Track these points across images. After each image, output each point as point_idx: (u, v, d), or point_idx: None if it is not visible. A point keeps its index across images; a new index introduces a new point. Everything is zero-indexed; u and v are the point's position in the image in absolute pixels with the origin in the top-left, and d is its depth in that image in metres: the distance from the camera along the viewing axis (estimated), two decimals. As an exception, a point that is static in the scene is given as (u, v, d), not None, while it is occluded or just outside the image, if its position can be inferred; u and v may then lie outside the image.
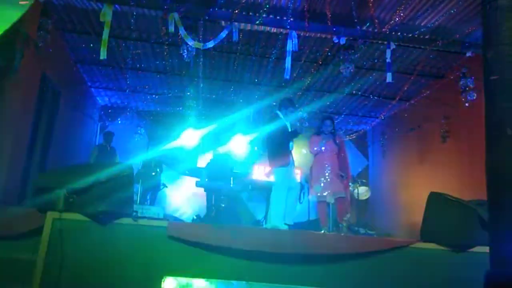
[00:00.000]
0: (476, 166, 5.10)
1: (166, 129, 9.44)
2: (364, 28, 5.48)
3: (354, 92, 7.71)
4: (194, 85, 7.98)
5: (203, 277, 3.10)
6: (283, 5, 5.25)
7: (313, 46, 6.25)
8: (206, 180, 7.83)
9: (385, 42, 5.56)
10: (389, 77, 5.54)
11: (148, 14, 5.36)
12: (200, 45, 5.29)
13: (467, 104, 5.66)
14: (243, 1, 5.06)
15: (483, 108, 2.05)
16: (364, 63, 6.63)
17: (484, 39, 2.10)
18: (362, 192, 8.40)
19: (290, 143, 5.14)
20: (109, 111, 9.57)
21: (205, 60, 6.83)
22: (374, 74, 6.87)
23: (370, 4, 5.03)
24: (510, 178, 1.88)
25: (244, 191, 8.25)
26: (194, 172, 7.71)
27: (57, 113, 6.82)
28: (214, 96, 8.53)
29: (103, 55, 5.04)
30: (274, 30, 5.54)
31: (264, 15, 5.24)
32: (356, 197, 8.01)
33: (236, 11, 5.16)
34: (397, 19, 5.29)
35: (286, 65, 5.36)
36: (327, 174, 5.33)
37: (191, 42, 5.18)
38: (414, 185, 7.52)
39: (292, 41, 5.31)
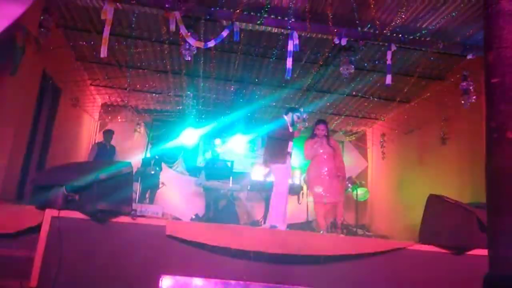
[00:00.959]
0: (476, 168, 5.11)
1: (166, 128, 9.45)
2: (365, 29, 5.48)
3: (354, 93, 7.71)
4: (194, 85, 7.98)
5: (201, 277, 3.10)
6: (284, 5, 5.24)
7: (314, 46, 6.25)
8: (205, 179, 7.84)
9: (386, 44, 5.56)
10: (388, 80, 5.53)
11: (149, 12, 5.35)
12: (201, 45, 5.29)
13: (467, 107, 5.66)
14: (245, 1, 5.06)
15: (483, 110, 2.05)
16: (365, 64, 6.62)
17: (485, 42, 2.10)
18: (361, 193, 8.40)
19: (291, 143, 5.16)
20: (109, 109, 9.55)
21: (205, 59, 6.82)
22: (374, 75, 6.87)
23: (372, 6, 5.02)
24: (510, 182, 1.87)
25: (243, 191, 8.26)
26: (193, 171, 7.72)
27: (57, 110, 6.82)
28: (214, 96, 8.53)
29: (103, 53, 5.04)
30: (275, 30, 5.53)
31: (265, 15, 5.24)
32: (355, 199, 8.01)
33: (238, 10, 5.17)
34: (398, 21, 5.29)
35: (287, 65, 5.36)
36: (324, 176, 5.36)
37: (192, 41, 5.18)
38: (413, 187, 7.51)
39: (293, 42, 5.31)
